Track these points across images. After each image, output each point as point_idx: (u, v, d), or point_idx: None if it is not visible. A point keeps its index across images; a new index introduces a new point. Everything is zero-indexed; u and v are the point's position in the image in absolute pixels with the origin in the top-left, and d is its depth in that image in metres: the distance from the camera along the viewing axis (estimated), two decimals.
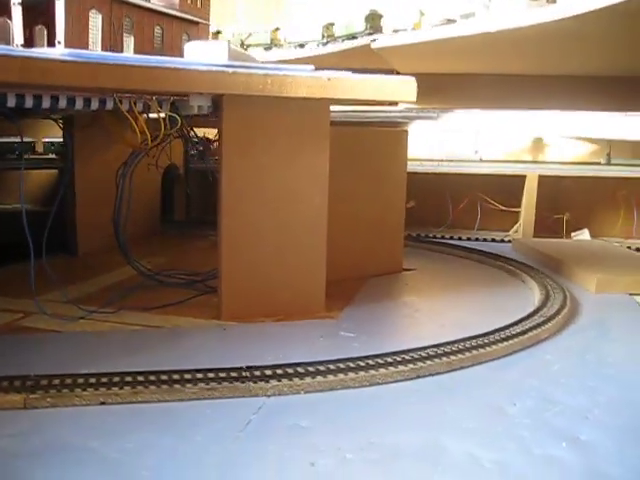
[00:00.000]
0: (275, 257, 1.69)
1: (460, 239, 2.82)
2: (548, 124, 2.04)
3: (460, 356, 1.40)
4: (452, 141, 3.01)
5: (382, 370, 1.32)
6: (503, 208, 2.91)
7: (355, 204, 2.05)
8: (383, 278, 2.13)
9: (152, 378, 1.24)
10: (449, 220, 2.94)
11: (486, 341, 1.48)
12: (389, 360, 1.35)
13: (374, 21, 2.85)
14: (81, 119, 2.32)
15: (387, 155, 2.14)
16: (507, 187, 2.90)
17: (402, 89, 1.68)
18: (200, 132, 2.78)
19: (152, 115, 1.67)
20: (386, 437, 1.10)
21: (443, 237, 2.83)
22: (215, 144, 2.77)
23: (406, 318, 1.78)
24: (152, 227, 2.78)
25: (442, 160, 2.94)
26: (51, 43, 1.95)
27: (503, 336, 1.51)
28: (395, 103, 2.08)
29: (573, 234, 2.82)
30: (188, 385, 1.23)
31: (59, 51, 1.51)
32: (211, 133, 2.86)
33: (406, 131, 2.19)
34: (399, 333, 1.68)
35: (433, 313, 1.79)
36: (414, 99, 1.68)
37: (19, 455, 1.03)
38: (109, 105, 1.60)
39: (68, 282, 1.91)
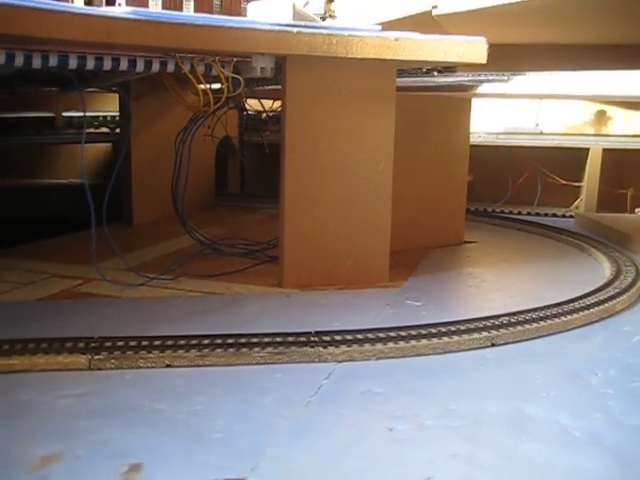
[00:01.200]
0: (338, 225, 1.64)
1: (520, 214, 2.74)
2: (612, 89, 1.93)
3: (535, 325, 1.34)
4: (512, 114, 2.92)
5: (456, 337, 1.27)
6: (564, 182, 2.83)
7: (417, 173, 1.99)
8: (444, 249, 2.08)
9: (218, 341, 1.21)
10: (508, 195, 2.87)
11: (561, 311, 1.41)
12: (462, 328, 1.30)
13: None
14: (136, 89, 2.29)
15: (450, 123, 2.08)
16: (568, 161, 2.81)
17: (472, 50, 1.61)
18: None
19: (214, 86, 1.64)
20: (465, 404, 1.05)
21: (502, 212, 2.75)
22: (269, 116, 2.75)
23: (472, 288, 1.72)
24: (206, 199, 2.75)
25: (501, 133, 2.86)
26: (111, 2, 1.92)
27: (578, 307, 1.44)
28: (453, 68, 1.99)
29: (638, 210, 2.72)
30: (255, 349, 1.19)
31: (122, 9, 1.47)
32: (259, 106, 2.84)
33: (470, 99, 2.12)
34: (467, 302, 1.62)
35: (500, 284, 1.73)
36: (484, 61, 1.61)
37: (86, 414, 1.00)
38: (170, 67, 1.56)
39: (126, 251, 1.88)
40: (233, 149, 2.92)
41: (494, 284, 1.72)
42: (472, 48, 1.59)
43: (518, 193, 2.85)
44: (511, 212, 2.75)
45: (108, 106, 2.98)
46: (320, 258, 1.65)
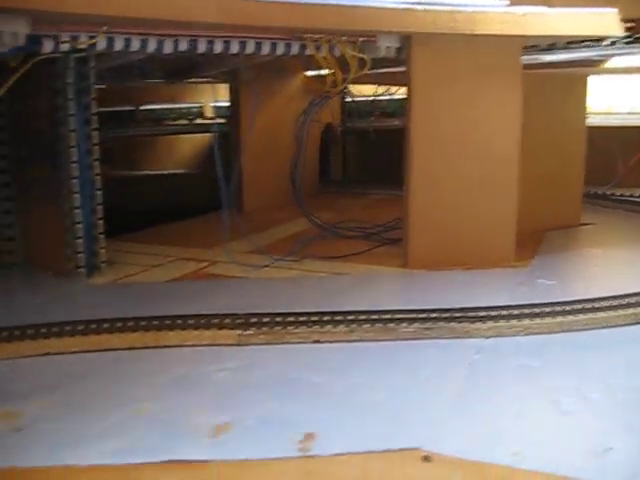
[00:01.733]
0: (464, 205, 1.63)
1: (632, 196, 2.67)
2: None
3: None
4: (621, 93, 2.85)
5: (601, 314, 1.24)
6: None
7: (534, 153, 1.95)
8: (562, 231, 2.03)
9: (363, 317, 1.20)
10: (618, 177, 2.79)
11: None
12: (606, 304, 1.27)
13: None
14: (246, 75, 2.31)
15: (568, 102, 2.03)
16: None
17: (605, 23, 1.56)
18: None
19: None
20: (626, 379, 1.03)
21: (613, 194, 2.68)
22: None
23: (599, 268, 1.68)
24: (311, 186, 2.76)
25: (611, 113, 2.79)
26: None
27: None
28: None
29: None
30: (403, 325, 1.18)
31: None
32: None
33: (586, 77, 2.07)
34: (601, 281, 1.58)
35: (628, 264, 1.68)
36: (619, 33, 1.57)
37: (246, 387, 1.02)
38: (294, 49, 1.56)
39: (241, 236, 1.90)
40: (335, 136, 2.92)
41: (622, 264, 1.68)
42: (605, 20, 1.55)
43: (629, 175, 2.77)
44: (622, 195, 2.67)
45: (205, 97, 3.01)
46: (446, 239, 1.64)
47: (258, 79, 2.31)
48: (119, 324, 1.18)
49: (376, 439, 0.86)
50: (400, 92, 2.58)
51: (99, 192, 1.56)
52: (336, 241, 1.89)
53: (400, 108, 2.66)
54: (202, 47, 1.51)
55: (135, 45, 1.44)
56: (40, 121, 1.59)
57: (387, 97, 2.76)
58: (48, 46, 1.36)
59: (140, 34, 1.44)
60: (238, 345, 1.16)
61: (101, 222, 1.57)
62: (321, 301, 1.35)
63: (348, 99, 2.88)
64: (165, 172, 2.97)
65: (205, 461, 0.82)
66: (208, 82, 2.69)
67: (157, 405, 0.96)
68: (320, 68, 2.12)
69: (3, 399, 0.98)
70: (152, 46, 1.46)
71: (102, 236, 1.58)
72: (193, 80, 2.52)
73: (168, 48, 1.48)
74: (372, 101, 2.86)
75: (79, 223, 1.54)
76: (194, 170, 3.00)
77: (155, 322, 1.19)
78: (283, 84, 2.46)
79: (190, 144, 3.08)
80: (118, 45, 1.42)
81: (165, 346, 1.16)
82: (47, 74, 1.49)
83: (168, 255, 1.77)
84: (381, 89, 2.72)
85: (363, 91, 2.82)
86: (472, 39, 1.54)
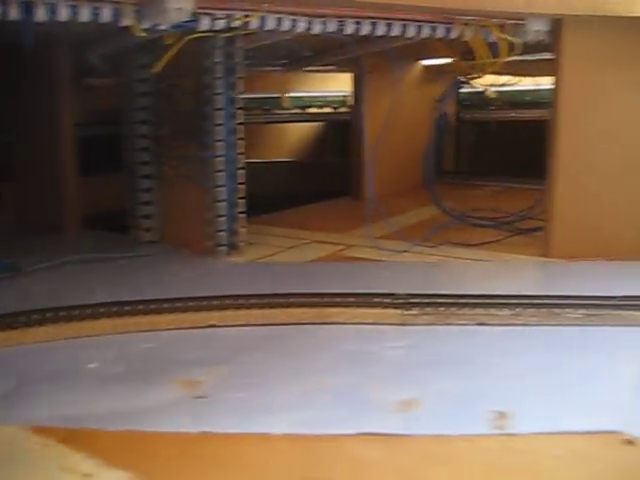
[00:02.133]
0: (615, 194, 1.58)
1: None
2: None
3: None
4: None
5: None
6: None
7: None
8: None
9: (526, 301, 1.18)
10: None
11: None
12: None
13: None
14: (368, 65, 2.29)
15: None
16: None
17: None
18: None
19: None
20: None
21: None
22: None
23: None
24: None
25: None
26: None
27: None
28: None
29: None
30: (567, 310, 1.15)
31: None
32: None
33: None
34: None
35: None
36: None
37: (422, 364, 1.00)
38: (454, 33, 1.54)
39: (373, 221, 1.90)
40: (448, 126, 2.87)
41: None
42: None
43: None
44: None
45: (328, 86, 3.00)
46: (588, 229, 1.59)
47: (378, 69, 2.30)
48: (281, 300, 1.17)
49: (569, 420, 0.83)
50: (522, 83, 2.52)
51: (241, 171, 1.56)
52: (466, 229, 1.85)
53: (522, 99, 2.63)
54: (349, 28, 1.50)
55: (286, 25, 1.44)
56: (185, 100, 1.60)
57: (507, 88, 2.71)
58: (205, 23, 1.36)
59: (291, 14, 1.44)
60: (402, 325, 1.14)
61: (242, 201, 1.57)
62: (473, 285, 1.32)
63: (463, 89, 2.84)
64: (284, 160, 2.98)
65: (402, 435, 0.80)
66: (328, 71, 2.69)
67: (336, 379, 0.95)
68: (441, 56, 2.11)
69: (181, 368, 0.99)
70: (302, 26, 1.45)
71: (242, 215, 1.58)
72: (313, 69, 2.52)
73: (317, 29, 1.47)
74: (485, 91, 2.81)
75: (222, 201, 1.54)
76: (312, 158, 3.01)
77: (316, 299, 1.18)
78: (405, 73, 2.44)
79: (304, 133, 3.09)
80: (270, 24, 1.42)
81: (327, 323, 1.15)
82: (194, 53, 1.50)
83: (301, 238, 1.77)
84: (501, 80, 2.67)
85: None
86: (629, 22, 1.48)
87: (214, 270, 1.48)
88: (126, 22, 1.30)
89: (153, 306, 1.16)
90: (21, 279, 1.43)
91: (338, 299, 1.19)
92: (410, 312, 1.15)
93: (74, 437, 0.80)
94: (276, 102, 2.92)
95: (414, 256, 1.59)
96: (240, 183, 1.57)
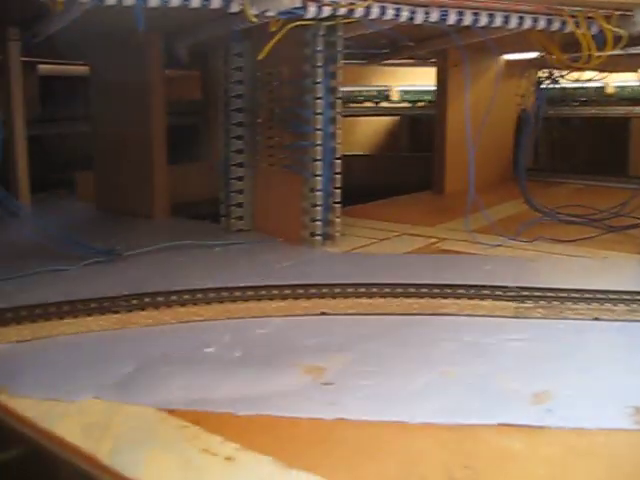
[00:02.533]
0: None
1: None
2: None
3: None
4: None
5: None
6: None
7: None
8: None
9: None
10: None
11: None
12: None
13: None
14: (453, 58, 2.28)
15: None
16: None
17: None
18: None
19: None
20: None
21: None
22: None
23: None
24: (504, 173, 2.70)
25: None
26: None
27: None
28: None
29: None
30: None
31: None
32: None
33: None
34: None
35: None
36: None
37: (542, 357, 0.99)
38: (556, 25, 1.52)
39: (456, 216, 1.88)
40: (527, 122, 2.84)
41: None
42: None
43: None
44: None
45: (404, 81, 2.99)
46: None
47: (466, 61, 2.27)
48: (389, 289, 1.16)
49: None
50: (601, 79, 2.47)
51: (338, 161, 1.55)
52: (556, 225, 1.83)
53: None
54: (452, 19, 1.49)
55: (390, 13, 1.42)
56: (283, 89, 1.59)
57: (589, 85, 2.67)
58: (312, 11, 1.35)
59: (394, 2, 1.43)
60: (516, 317, 1.12)
61: (338, 191, 1.56)
62: (580, 280, 1.30)
63: (543, 85, 2.79)
64: (359, 153, 2.98)
65: (542, 427, 0.78)
66: (405, 65, 2.68)
67: (462, 369, 0.94)
68: (533, 50, 2.07)
69: (300, 354, 0.98)
70: (405, 15, 1.44)
71: (338, 206, 1.57)
72: (391, 62, 2.51)
73: (419, 18, 1.46)
74: (565, 88, 2.76)
75: (319, 191, 1.54)
76: (387, 152, 3.00)
77: (425, 290, 1.17)
78: (487, 67, 2.41)
79: (379, 126, 3.08)
80: (374, 13, 1.41)
81: (437, 314, 1.13)
82: (294, 41, 1.49)
83: (390, 230, 1.76)
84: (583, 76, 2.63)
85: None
86: None
87: (313, 259, 1.48)
88: (235, 8, 1.30)
89: (263, 292, 1.16)
90: (121, 263, 1.44)
91: (448, 290, 1.17)
92: (523, 305, 1.13)
93: (208, 420, 0.80)
94: (350, 95, 2.92)
95: (509, 250, 1.57)
96: (337, 173, 1.56)
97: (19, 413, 0.83)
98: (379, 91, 2.98)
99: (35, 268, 1.37)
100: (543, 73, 1.88)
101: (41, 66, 2.58)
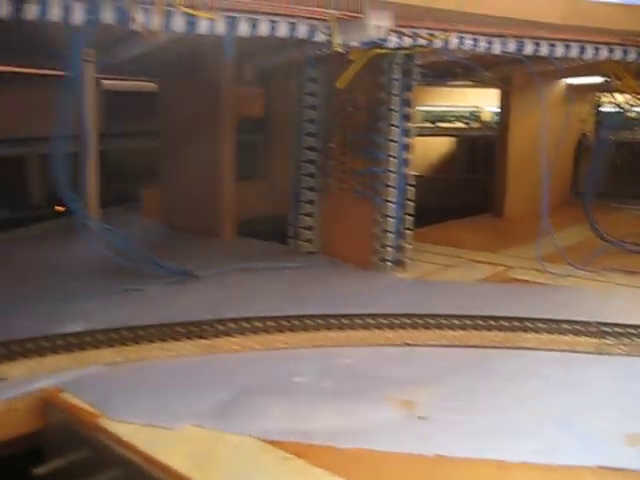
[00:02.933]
0: None
1: None
2: None
3: None
4: None
5: None
6: None
7: None
8: None
9: None
10: None
11: None
12: None
13: None
14: (518, 82, 2.28)
15: None
16: None
17: None
18: None
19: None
20: None
21: None
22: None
23: None
24: (561, 196, 2.69)
25: None
26: None
27: None
28: None
29: None
30: None
31: None
32: None
33: None
34: None
35: None
36: None
37: (628, 396, 0.99)
38: (632, 56, 1.53)
39: (516, 242, 1.89)
40: (586, 147, 2.83)
41: None
42: None
43: None
44: None
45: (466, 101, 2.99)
46: None
47: (528, 86, 2.28)
48: (470, 322, 1.18)
49: None
50: None
51: (411, 187, 1.56)
52: (622, 254, 1.82)
53: None
54: (529, 49, 1.50)
55: (468, 44, 1.44)
56: (357, 115, 1.61)
57: None
58: (393, 40, 1.37)
59: (472, 33, 1.44)
60: (598, 354, 1.12)
61: (409, 217, 1.58)
62: None
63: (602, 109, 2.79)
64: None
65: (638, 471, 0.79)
66: (461, 86, 2.68)
67: (552, 406, 0.95)
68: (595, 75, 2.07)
69: (390, 385, 1.00)
70: (482, 46, 1.45)
71: (409, 232, 1.58)
72: (461, 83, 2.52)
73: (496, 48, 1.47)
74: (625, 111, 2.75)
75: (391, 217, 1.55)
76: (442, 174, 3.00)
77: (504, 322, 1.18)
78: (549, 90, 2.41)
79: (433, 147, 3.08)
80: (453, 43, 1.42)
81: (517, 347, 1.14)
82: (370, 69, 1.51)
83: (455, 255, 1.77)
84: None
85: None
86: None
87: (386, 286, 1.49)
88: (321, 38, 1.32)
89: (346, 321, 1.17)
90: (196, 284, 1.47)
91: (528, 324, 1.18)
92: (605, 341, 1.13)
93: (309, 452, 0.81)
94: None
95: (579, 280, 1.57)
96: (409, 199, 1.57)
97: (119, 437, 0.85)
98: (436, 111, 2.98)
99: (112, 287, 1.40)
100: (607, 98, 1.87)
101: (105, 81, 2.62)
